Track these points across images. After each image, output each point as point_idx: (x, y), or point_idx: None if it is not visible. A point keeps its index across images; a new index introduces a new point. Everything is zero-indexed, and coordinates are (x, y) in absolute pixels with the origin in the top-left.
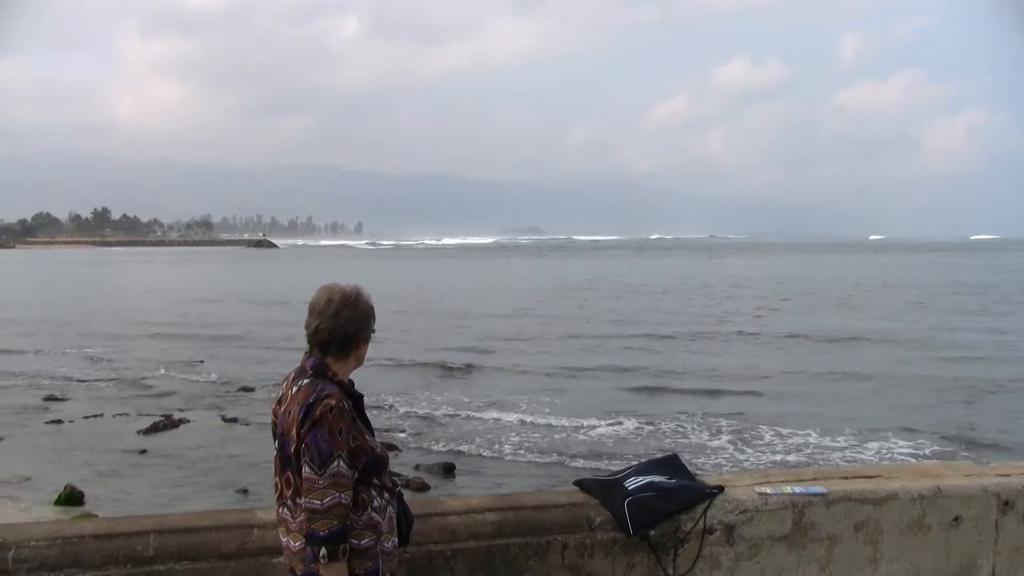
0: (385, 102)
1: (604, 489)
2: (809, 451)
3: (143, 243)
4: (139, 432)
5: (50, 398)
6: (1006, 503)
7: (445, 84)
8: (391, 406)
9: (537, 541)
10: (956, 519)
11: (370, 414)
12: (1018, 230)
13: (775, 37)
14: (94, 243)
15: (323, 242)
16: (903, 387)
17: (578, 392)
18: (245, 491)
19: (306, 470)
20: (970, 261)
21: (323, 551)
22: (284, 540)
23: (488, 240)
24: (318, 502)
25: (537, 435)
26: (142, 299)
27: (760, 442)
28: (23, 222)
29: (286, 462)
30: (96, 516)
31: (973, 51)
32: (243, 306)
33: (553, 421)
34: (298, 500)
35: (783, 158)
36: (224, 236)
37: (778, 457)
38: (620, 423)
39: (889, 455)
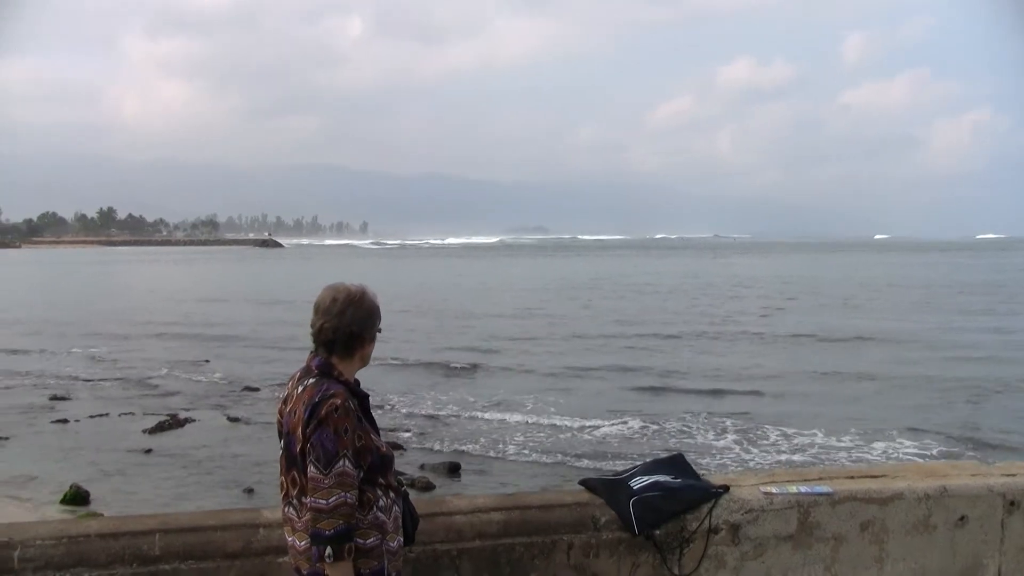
0: (391, 102)
1: (609, 489)
2: (814, 451)
3: (149, 243)
4: (144, 431)
5: (56, 397)
6: (1012, 503)
7: (451, 84)
8: (396, 406)
9: (543, 541)
10: (962, 519)
11: (375, 413)
12: (1023, 229)
13: (781, 36)
14: (100, 243)
15: (328, 241)
16: (909, 387)
17: (583, 392)
18: (250, 490)
19: (311, 469)
20: (975, 260)
21: (328, 550)
22: (290, 539)
23: (493, 239)
24: (323, 501)
25: (542, 435)
26: (147, 299)
27: (765, 442)
28: (29, 222)
29: (292, 461)
30: (102, 515)
31: (978, 51)
32: (248, 306)
33: (558, 421)
34: (304, 499)
35: (788, 157)
36: (230, 236)
37: (783, 457)
38: (625, 423)
39: (895, 455)
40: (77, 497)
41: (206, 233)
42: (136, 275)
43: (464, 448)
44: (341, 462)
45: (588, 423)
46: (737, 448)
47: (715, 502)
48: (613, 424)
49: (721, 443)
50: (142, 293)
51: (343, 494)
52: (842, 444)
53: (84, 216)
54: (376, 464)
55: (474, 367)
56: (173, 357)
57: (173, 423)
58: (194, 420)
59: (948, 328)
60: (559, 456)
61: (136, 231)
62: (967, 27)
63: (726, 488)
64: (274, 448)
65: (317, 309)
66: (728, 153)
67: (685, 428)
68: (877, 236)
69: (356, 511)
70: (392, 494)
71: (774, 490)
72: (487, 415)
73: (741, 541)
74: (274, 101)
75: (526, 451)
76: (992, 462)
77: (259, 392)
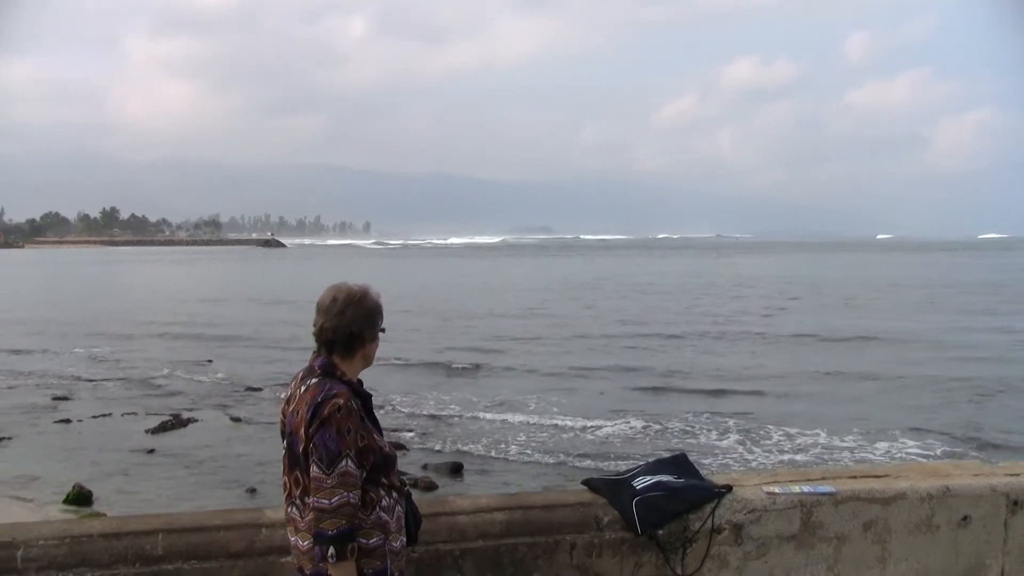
0: (393, 101)
1: (612, 488)
2: (817, 451)
3: (151, 243)
4: (147, 431)
5: (58, 397)
6: (1015, 503)
7: (453, 83)
8: (398, 406)
9: (545, 541)
10: (965, 519)
11: (378, 414)
12: None
13: (783, 36)
14: (103, 243)
15: (330, 241)
16: (911, 387)
17: (586, 392)
18: (253, 490)
19: (314, 469)
20: (978, 260)
21: (331, 550)
22: (293, 539)
23: (496, 239)
24: (326, 501)
25: (545, 435)
26: (150, 299)
27: (768, 442)
28: (32, 222)
29: (294, 461)
30: (104, 515)
31: (981, 50)
32: (251, 306)
33: (561, 421)
34: (307, 499)
35: (791, 157)
36: (232, 236)
37: (786, 457)
38: (628, 423)
39: (898, 455)
40: (80, 497)
41: (209, 233)
42: (139, 275)
43: (467, 448)
44: (344, 462)
45: (591, 423)
46: (740, 448)
47: (718, 502)
48: (616, 424)
49: (724, 443)
50: (145, 293)
51: (346, 494)
52: (845, 444)
53: (87, 216)
54: (379, 464)
55: (477, 367)
56: (176, 357)
57: (176, 423)
58: (197, 420)
59: (951, 328)
60: (562, 456)
61: (139, 231)
62: (970, 26)
63: (729, 488)
64: (276, 448)
65: (319, 309)
66: (730, 153)
67: (688, 428)
68: (879, 236)
69: (359, 511)
70: (395, 494)
71: (777, 490)
72: (490, 415)
73: (744, 541)
74: (277, 101)
75: (528, 451)
76: (995, 462)
77: (261, 392)
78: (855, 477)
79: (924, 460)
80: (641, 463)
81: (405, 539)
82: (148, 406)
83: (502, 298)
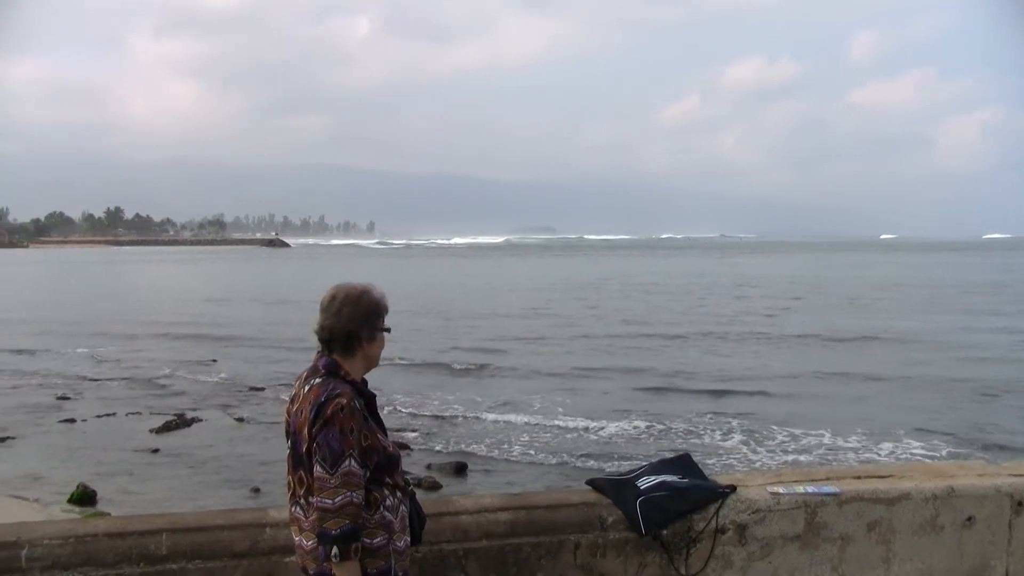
0: (397, 101)
1: (616, 488)
2: (821, 451)
3: (156, 242)
4: (151, 431)
5: (63, 397)
6: (1020, 503)
7: (457, 83)
8: (402, 406)
9: (549, 540)
10: (969, 519)
11: (381, 414)
12: None
13: (787, 36)
14: (107, 242)
15: (334, 241)
16: (916, 387)
17: (589, 392)
18: (257, 490)
19: (317, 469)
20: (982, 260)
21: (335, 550)
22: (297, 539)
23: (499, 239)
24: (329, 501)
25: (548, 435)
26: (154, 298)
27: (772, 442)
28: (36, 221)
29: (298, 461)
30: (109, 515)
31: (985, 50)
32: (254, 305)
33: (564, 421)
34: (310, 499)
35: (794, 157)
36: (237, 235)
37: (790, 457)
38: (631, 423)
39: (903, 456)
40: (84, 497)
41: (213, 233)
42: (143, 275)
43: (470, 448)
44: (347, 462)
45: (594, 423)
46: (744, 448)
47: (722, 502)
48: (619, 424)
49: (728, 443)
50: (149, 293)
51: (349, 494)
52: (849, 444)
53: (91, 216)
54: (382, 464)
55: (480, 367)
56: (179, 357)
57: (180, 423)
58: (201, 420)
59: (955, 328)
60: (565, 456)
61: (143, 231)
62: (974, 26)
63: (733, 488)
64: (280, 447)
65: (320, 308)
66: (734, 152)
67: (691, 428)
68: (883, 236)
69: (362, 511)
70: (399, 494)
71: (781, 490)
72: (493, 415)
73: (748, 541)
74: (281, 101)
75: (532, 451)
76: (1000, 463)
77: (265, 392)
78: (859, 477)
79: (928, 460)
80: (645, 463)
81: (409, 539)
82: (152, 406)
83: (505, 298)
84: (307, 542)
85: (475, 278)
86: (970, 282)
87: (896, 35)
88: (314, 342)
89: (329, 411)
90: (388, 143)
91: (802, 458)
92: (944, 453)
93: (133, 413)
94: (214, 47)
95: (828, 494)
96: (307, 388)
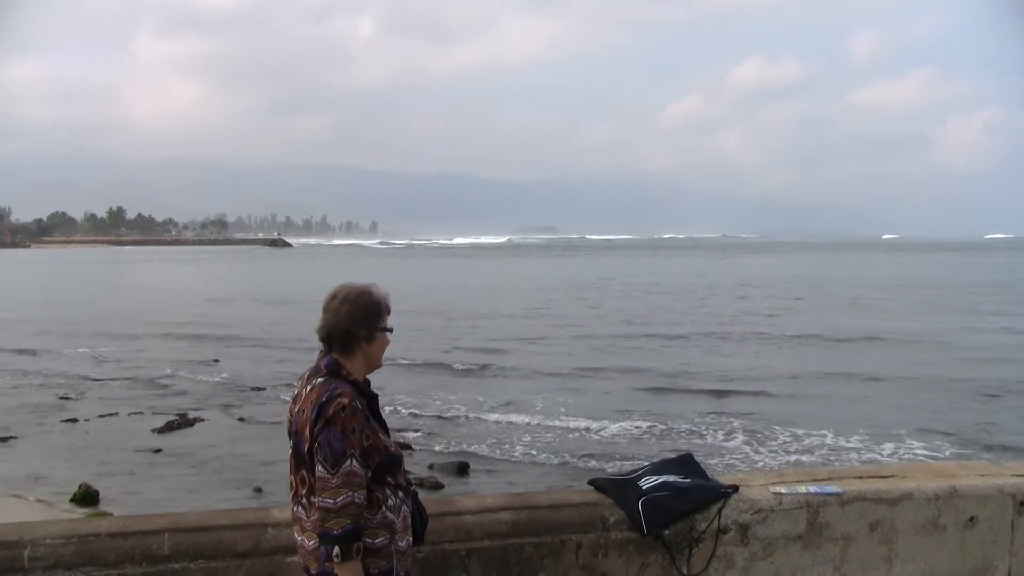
0: (399, 101)
1: (618, 488)
2: (824, 451)
3: (158, 242)
4: (153, 431)
5: (65, 397)
6: (1022, 503)
7: (459, 83)
8: (404, 406)
9: (551, 540)
10: (971, 519)
11: (383, 413)
12: None
13: (789, 36)
14: (109, 242)
15: (336, 241)
16: (918, 388)
17: (591, 392)
18: (260, 490)
19: (319, 469)
20: (984, 260)
21: (336, 550)
22: (299, 539)
23: (501, 239)
24: (331, 501)
25: (550, 435)
26: (156, 298)
27: (774, 442)
28: (39, 221)
29: (300, 461)
30: (111, 514)
31: (987, 50)
32: (257, 305)
33: (566, 421)
34: (312, 499)
35: (797, 157)
36: (239, 235)
37: (792, 457)
38: (633, 423)
39: (905, 456)
40: (86, 496)
41: (215, 233)
42: (145, 275)
43: (472, 448)
44: (348, 462)
45: (596, 423)
46: (746, 448)
47: (724, 502)
48: (621, 424)
49: (730, 443)
50: (151, 293)
51: (350, 494)
52: (851, 444)
53: (94, 216)
54: (384, 464)
55: (482, 367)
56: (182, 357)
57: (182, 423)
58: (203, 420)
59: (957, 328)
60: (567, 456)
61: (145, 231)
62: (974, 26)
63: (735, 488)
64: (282, 447)
65: (322, 307)
66: (736, 153)
67: (693, 428)
68: (885, 236)
69: (364, 511)
70: (401, 494)
71: (783, 490)
72: (495, 415)
73: (750, 541)
74: (284, 101)
75: (534, 451)
76: (1002, 463)
77: (267, 392)
78: (861, 477)
79: (931, 461)
80: (647, 463)
81: (411, 539)
82: (154, 406)
83: (507, 298)
84: (309, 542)
85: (477, 278)
86: (972, 282)
87: (896, 35)
88: (316, 342)
89: (331, 411)
90: (390, 143)
91: (804, 458)
92: (946, 453)
93: (135, 413)
94: (215, 47)
95: (830, 494)
96: (309, 388)
